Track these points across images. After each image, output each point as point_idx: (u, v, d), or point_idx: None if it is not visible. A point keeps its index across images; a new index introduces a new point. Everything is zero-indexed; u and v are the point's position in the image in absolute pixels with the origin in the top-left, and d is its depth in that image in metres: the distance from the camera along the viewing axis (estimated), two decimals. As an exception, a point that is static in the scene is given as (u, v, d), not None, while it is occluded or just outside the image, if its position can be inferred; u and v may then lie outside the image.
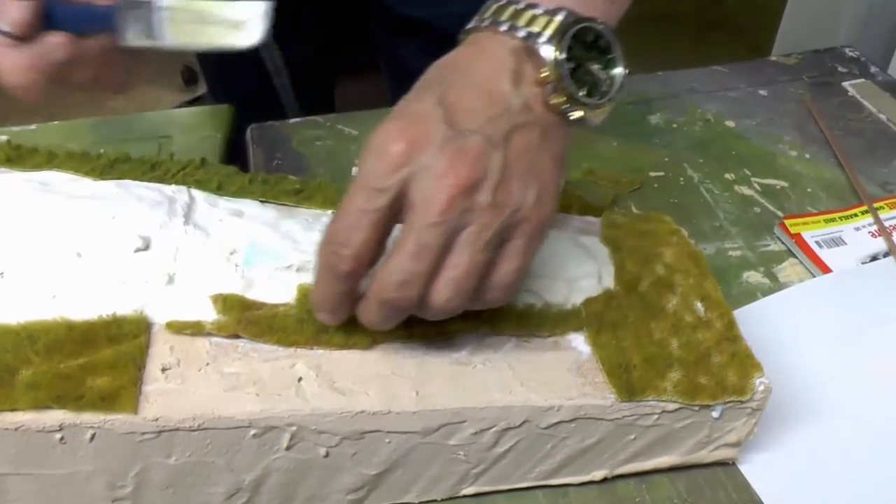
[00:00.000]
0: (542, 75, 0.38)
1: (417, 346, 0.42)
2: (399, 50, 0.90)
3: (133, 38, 0.47)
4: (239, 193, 0.48)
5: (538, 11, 0.39)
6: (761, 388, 0.43)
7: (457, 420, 0.40)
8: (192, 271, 0.43)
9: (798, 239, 0.61)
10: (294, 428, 0.39)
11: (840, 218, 0.63)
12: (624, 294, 0.46)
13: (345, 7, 1.00)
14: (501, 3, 0.40)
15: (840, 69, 0.80)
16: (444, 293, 0.36)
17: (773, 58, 0.82)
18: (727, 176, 0.68)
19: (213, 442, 0.39)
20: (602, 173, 0.67)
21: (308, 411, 0.38)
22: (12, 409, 0.36)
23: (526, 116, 0.38)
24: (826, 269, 0.59)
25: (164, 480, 0.40)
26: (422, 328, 0.41)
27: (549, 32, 0.38)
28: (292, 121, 0.72)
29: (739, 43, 2.10)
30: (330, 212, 0.49)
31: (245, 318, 0.40)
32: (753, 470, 0.47)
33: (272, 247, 0.44)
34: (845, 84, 0.78)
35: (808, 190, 0.67)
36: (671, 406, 0.42)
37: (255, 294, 0.42)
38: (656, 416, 0.43)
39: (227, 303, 0.41)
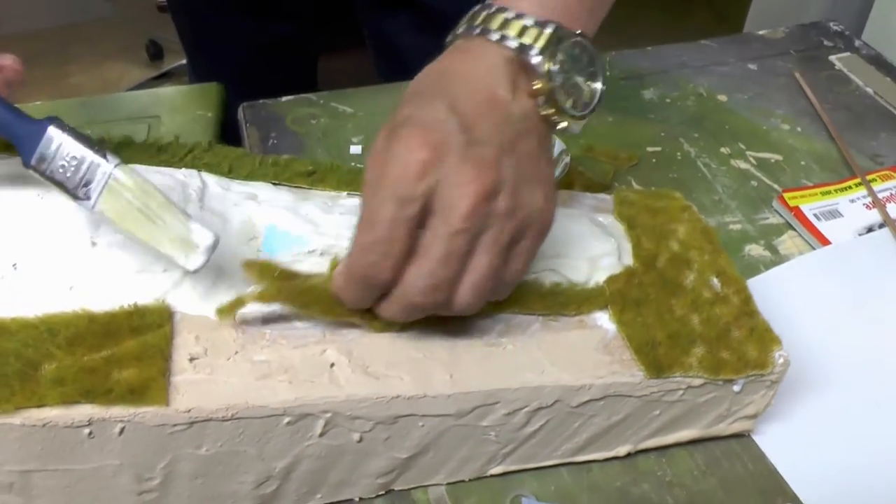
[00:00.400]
0: (535, 87, 0.39)
1: (447, 329, 0.42)
2: (383, 25, 0.89)
3: (51, 169, 0.38)
4: (251, 177, 0.47)
5: (528, 23, 0.39)
6: (780, 360, 0.44)
7: (490, 402, 0.40)
8: (212, 258, 0.41)
9: (797, 212, 0.62)
10: (329, 415, 0.38)
11: (836, 190, 0.64)
12: (643, 271, 0.46)
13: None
14: (491, 11, 0.41)
15: (826, 43, 0.82)
16: (468, 296, 0.38)
17: (761, 32, 0.83)
18: (723, 150, 0.69)
19: (246, 431, 0.38)
20: (601, 149, 0.67)
21: (343, 397, 0.38)
22: (38, 406, 0.35)
23: (525, 124, 0.39)
24: (825, 241, 0.60)
25: (193, 471, 0.39)
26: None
27: (540, 45, 0.39)
28: (285, 99, 0.71)
29: (710, 13, 2.12)
30: (345, 193, 0.48)
31: (286, 288, 0.39)
32: (768, 441, 0.48)
33: (293, 231, 0.43)
34: (832, 58, 0.79)
35: (802, 163, 0.68)
36: (696, 381, 0.43)
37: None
38: (681, 392, 0.43)
39: (263, 271, 0.40)
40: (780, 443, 0.48)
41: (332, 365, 0.39)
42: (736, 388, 0.44)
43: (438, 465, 0.43)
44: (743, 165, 0.67)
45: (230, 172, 0.47)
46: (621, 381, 0.42)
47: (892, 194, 0.64)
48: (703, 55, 0.80)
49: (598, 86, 0.42)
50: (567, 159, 0.60)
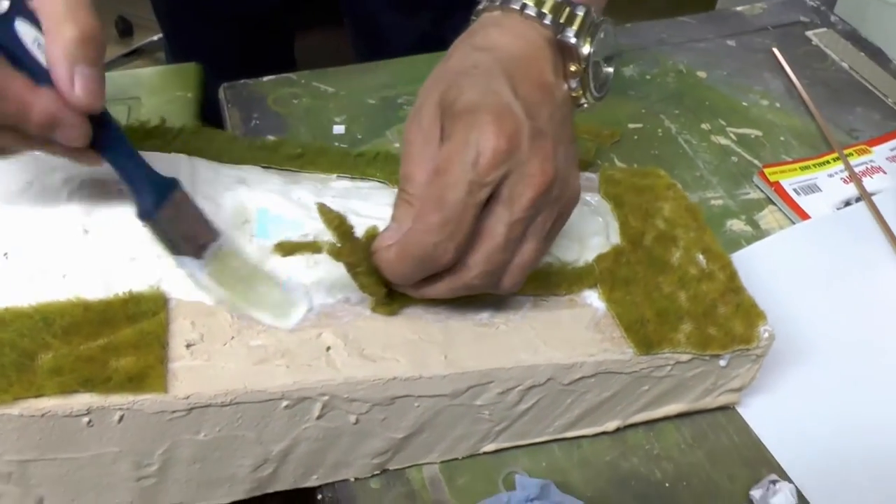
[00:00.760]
0: (573, 69, 0.40)
1: (440, 311, 0.42)
2: (363, 4, 0.88)
3: (171, 226, 0.40)
4: (241, 160, 0.47)
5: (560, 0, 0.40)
6: (766, 335, 0.45)
7: (485, 381, 0.41)
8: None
9: (777, 187, 0.63)
10: (326, 398, 0.39)
11: (814, 165, 0.65)
12: (631, 249, 0.47)
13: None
14: None
15: (802, 18, 0.82)
16: (516, 278, 0.39)
17: (739, 8, 0.83)
18: (703, 126, 0.70)
19: (245, 416, 0.38)
20: (583, 127, 0.67)
21: (340, 380, 0.38)
22: (37, 396, 0.35)
23: (565, 109, 0.40)
24: (804, 216, 0.61)
25: (191, 456, 0.39)
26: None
27: (575, 27, 0.40)
28: (266, 79, 0.70)
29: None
30: (335, 176, 0.48)
31: (359, 246, 0.39)
32: (752, 413, 0.49)
33: (286, 215, 0.43)
34: (808, 33, 0.80)
35: (781, 139, 0.69)
36: (684, 357, 0.44)
37: (274, 265, 0.41)
38: (670, 367, 0.44)
39: (340, 222, 0.38)
40: (764, 415, 0.49)
41: (329, 348, 0.39)
42: (722, 362, 0.45)
43: (433, 444, 0.44)
44: (723, 141, 0.68)
45: (220, 156, 0.47)
46: (612, 358, 0.42)
47: (867, 168, 0.65)
48: (682, 31, 0.80)
49: (611, 69, 0.43)
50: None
